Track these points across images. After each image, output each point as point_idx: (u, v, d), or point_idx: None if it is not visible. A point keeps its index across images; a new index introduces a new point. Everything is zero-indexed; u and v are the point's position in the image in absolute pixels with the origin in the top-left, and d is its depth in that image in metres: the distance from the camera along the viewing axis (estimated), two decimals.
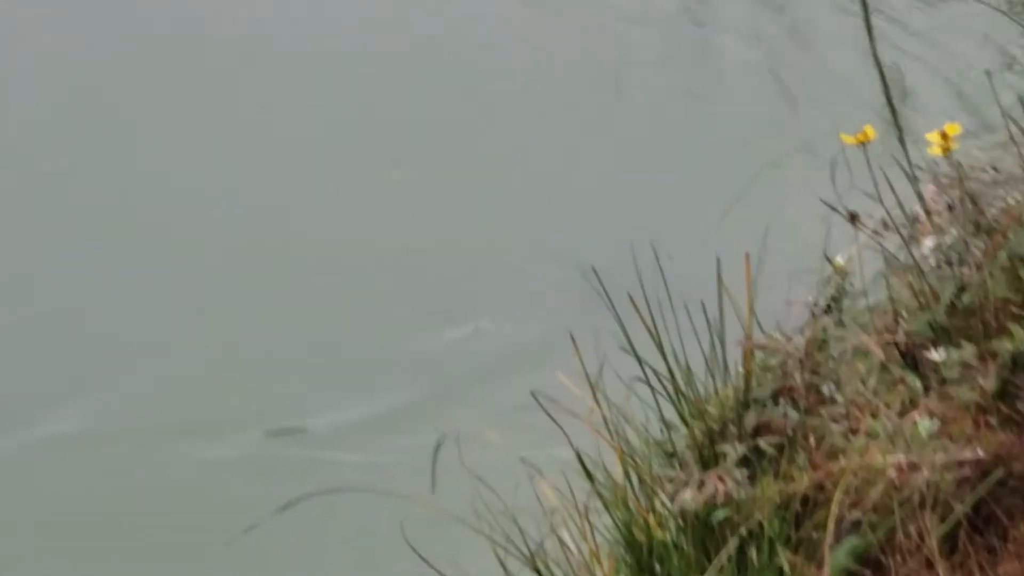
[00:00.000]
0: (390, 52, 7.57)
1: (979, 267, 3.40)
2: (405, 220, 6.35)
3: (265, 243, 6.39)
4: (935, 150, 3.44)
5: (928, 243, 3.48)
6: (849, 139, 3.32)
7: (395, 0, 8.01)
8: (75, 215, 6.55)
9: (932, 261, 3.49)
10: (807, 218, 3.87)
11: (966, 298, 3.35)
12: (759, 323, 3.38)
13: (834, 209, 3.62)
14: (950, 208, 3.75)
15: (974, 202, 3.53)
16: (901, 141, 3.54)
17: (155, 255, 6.34)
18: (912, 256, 3.44)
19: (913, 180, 3.68)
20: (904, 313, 3.42)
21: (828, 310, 3.31)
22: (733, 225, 3.96)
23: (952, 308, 3.39)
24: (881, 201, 3.46)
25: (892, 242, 3.66)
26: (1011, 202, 3.71)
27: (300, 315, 5.83)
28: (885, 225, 3.67)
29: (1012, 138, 3.63)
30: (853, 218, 3.41)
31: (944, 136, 3.36)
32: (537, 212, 6.08)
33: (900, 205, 3.72)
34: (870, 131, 3.34)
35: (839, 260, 3.39)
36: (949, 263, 3.51)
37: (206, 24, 7.75)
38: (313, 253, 6.28)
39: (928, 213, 3.64)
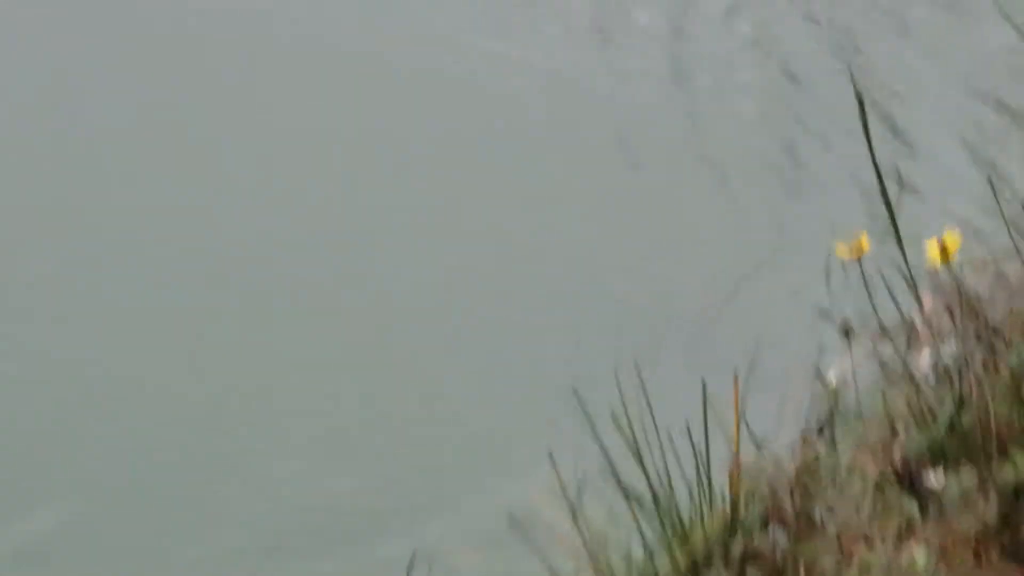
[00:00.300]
0: (403, 61, 7.46)
1: (980, 383, 3.24)
2: (396, 302, 6.21)
3: (258, 311, 6.28)
4: (934, 258, 3.29)
5: (926, 355, 3.32)
6: (843, 249, 3.17)
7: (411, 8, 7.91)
8: (73, 246, 6.45)
9: (931, 374, 3.34)
10: (803, 321, 3.72)
11: (966, 417, 3.18)
12: (748, 426, 3.22)
13: (827, 316, 3.48)
14: (950, 313, 3.60)
15: (975, 312, 3.37)
16: (899, 243, 3.37)
17: (152, 302, 6.26)
18: (909, 368, 3.28)
19: (912, 285, 3.53)
20: (901, 430, 3.26)
21: (820, 431, 3.15)
22: (724, 329, 3.81)
23: (951, 426, 3.23)
24: (875, 311, 3.31)
25: (890, 350, 3.51)
26: (1014, 310, 3.56)
27: (287, 417, 5.72)
28: (882, 330, 3.52)
29: (1016, 245, 3.48)
30: (847, 331, 3.25)
31: (944, 246, 3.21)
32: (518, 324, 5.94)
33: (899, 309, 3.57)
34: (865, 241, 3.19)
35: (832, 375, 3.23)
36: (948, 375, 3.35)
37: (205, 31, 7.67)
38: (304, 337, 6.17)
39: (927, 320, 3.48)
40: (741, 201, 6.51)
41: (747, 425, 3.21)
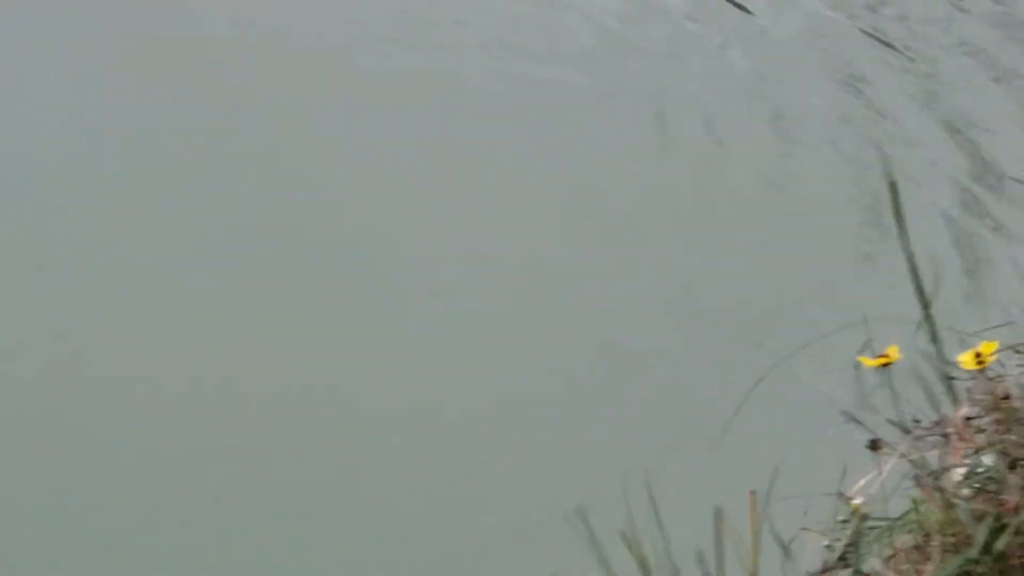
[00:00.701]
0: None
1: (1018, 501, 2.99)
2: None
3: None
4: (969, 365, 3.05)
5: (961, 470, 3.08)
6: (869, 362, 2.93)
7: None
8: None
9: (966, 488, 3.09)
10: (829, 427, 3.48)
11: (1002, 540, 2.93)
12: (780, 538, 2.98)
13: (855, 420, 3.24)
14: (989, 417, 3.36)
15: (1016, 420, 3.12)
16: (935, 340, 3.12)
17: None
18: (941, 483, 3.04)
19: (949, 388, 3.28)
20: (933, 551, 3.01)
21: (845, 555, 2.91)
22: (740, 435, 3.57)
23: (987, 549, 2.98)
24: (902, 420, 3.07)
25: (922, 460, 3.27)
26: None
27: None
28: (914, 440, 3.27)
29: None
30: (875, 444, 3.01)
31: (979, 356, 2.97)
32: (521, 437, 5.76)
33: (934, 413, 3.32)
34: (894, 352, 2.95)
35: (859, 491, 2.98)
36: (985, 490, 3.10)
37: (206, 30, 7.59)
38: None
39: (961, 427, 3.24)
40: (777, 276, 6.28)
41: (777, 536, 2.98)
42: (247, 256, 6.78)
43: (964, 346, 3.27)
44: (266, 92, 7.35)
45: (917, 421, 3.29)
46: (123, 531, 5.99)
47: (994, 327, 3.47)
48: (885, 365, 2.92)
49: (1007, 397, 3.35)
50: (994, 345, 2.99)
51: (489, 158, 7.21)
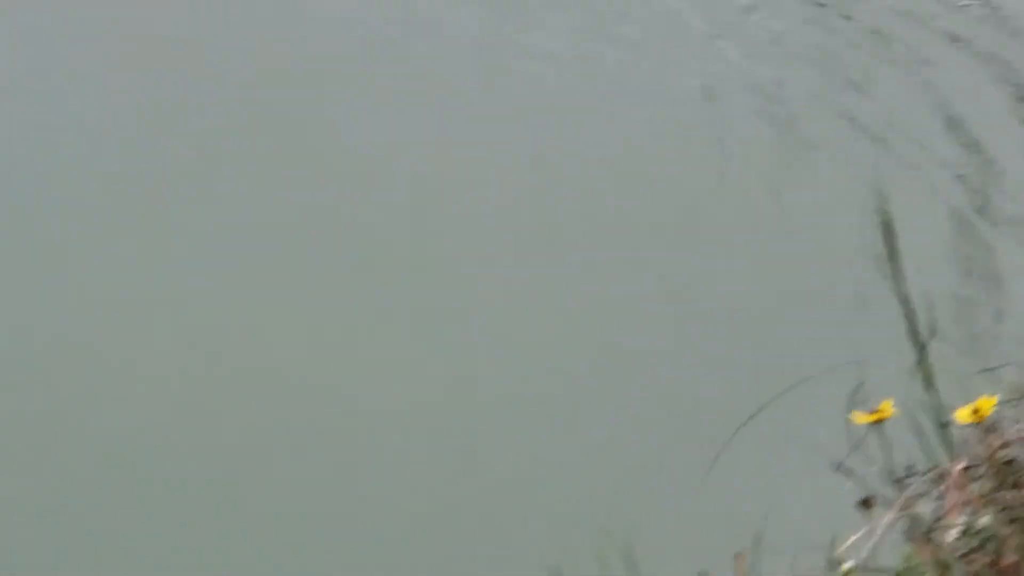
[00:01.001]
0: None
1: (1017, 563, 2.96)
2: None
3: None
4: (966, 419, 3.02)
5: (956, 527, 3.05)
6: (863, 418, 2.91)
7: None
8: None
9: (963, 548, 3.06)
10: (818, 480, 3.45)
11: None
12: None
13: (846, 472, 3.22)
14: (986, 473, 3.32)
15: (1014, 479, 3.09)
16: (929, 390, 3.09)
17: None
18: (936, 542, 3.01)
19: (947, 441, 3.25)
20: None
21: None
22: (724, 488, 3.53)
23: None
24: (897, 477, 3.04)
25: (916, 517, 3.24)
26: None
27: None
28: (908, 498, 3.24)
29: None
30: (867, 502, 2.99)
31: (977, 411, 2.94)
32: (497, 490, 5.74)
33: (930, 466, 3.29)
34: (888, 408, 2.92)
35: (849, 551, 2.96)
36: (982, 548, 3.07)
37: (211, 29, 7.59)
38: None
39: (958, 483, 3.21)
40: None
41: None
42: (247, 256, 6.78)
43: (963, 389, 3.24)
44: (266, 92, 7.35)
45: (911, 470, 3.26)
46: (123, 531, 5.98)
47: (993, 368, 3.42)
48: (879, 421, 2.90)
49: (1006, 445, 3.32)
50: (993, 400, 2.96)
51: (488, 158, 7.19)
